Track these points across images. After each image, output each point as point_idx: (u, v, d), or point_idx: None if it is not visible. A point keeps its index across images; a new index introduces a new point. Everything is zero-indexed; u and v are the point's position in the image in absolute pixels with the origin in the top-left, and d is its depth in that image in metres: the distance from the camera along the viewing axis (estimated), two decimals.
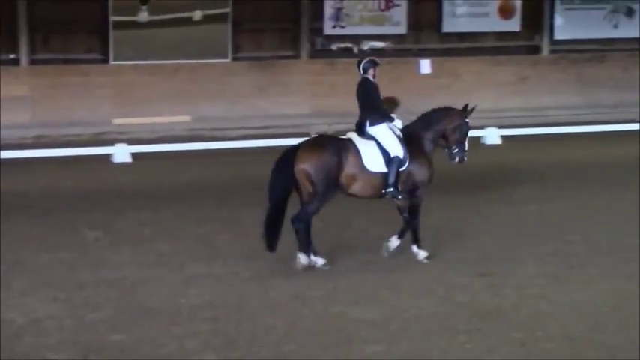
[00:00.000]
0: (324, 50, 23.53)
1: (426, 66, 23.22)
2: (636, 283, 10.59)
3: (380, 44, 23.80)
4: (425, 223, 13.42)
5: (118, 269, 11.21)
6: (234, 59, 23.00)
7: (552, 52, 25.28)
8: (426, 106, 24.29)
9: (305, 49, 23.21)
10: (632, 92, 23.92)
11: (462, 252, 11.94)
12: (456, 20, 24.57)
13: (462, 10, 24.55)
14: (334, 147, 11.27)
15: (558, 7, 25.26)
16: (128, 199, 15.06)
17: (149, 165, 17.90)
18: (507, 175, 17.13)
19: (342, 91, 22.54)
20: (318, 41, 23.45)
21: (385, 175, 11.36)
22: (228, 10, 22.69)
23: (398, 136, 11.56)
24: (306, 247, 11.24)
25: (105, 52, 22.22)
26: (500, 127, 21.65)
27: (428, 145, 11.80)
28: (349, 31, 23.73)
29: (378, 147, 11.39)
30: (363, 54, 23.57)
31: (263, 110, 22.28)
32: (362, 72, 11.76)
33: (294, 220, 11.17)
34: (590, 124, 21.62)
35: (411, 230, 11.73)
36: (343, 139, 11.59)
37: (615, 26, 25.68)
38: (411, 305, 9.97)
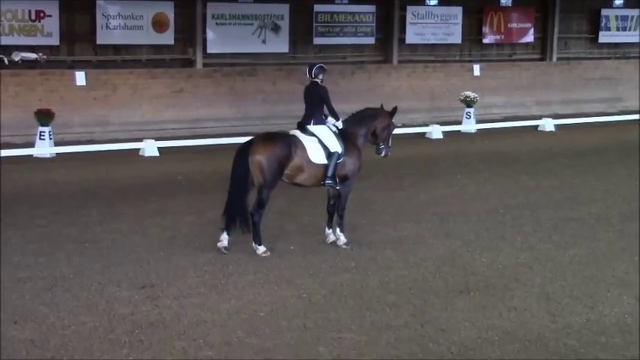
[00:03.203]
0: None
1: (81, 78, 22.98)
2: (290, 287, 11.19)
3: (32, 55, 23.21)
4: (85, 238, 13.35)
5: None
6: None
7: (206, 65, 25.85)
8: (83, 118, 23.90)
9: None
10: (281, 105, 25.03)
11: (122, 265, 11.97)
12: (111, 32, 24.51)
13: (115, 22, 24.51)
14: (285, 141, 12.57)
15: (210, 21, 25.92)
16: None
17: None
18: (165, 186, 17.35)
19: None
20: None
21: (326, 167, 12.72)
22: None
23: (335, 133, 12.91)
24: (260, 238, 12.58)
25: None
26: (157, 139, 21.86)
27: (360, 141, 13.22)
28: None
29: (319, 142, 12.72)
30: (14, 65, 22.86)
31: None
32: (312, 77, 13.02)
33: (253, 213, 12.44)
34: (243, 136, 22.26)
35: (337, 215, 13.11)
36: (291, 135, 12.78)
37: (264, 41, 26.83)
38: (72, 321, 9.87)
